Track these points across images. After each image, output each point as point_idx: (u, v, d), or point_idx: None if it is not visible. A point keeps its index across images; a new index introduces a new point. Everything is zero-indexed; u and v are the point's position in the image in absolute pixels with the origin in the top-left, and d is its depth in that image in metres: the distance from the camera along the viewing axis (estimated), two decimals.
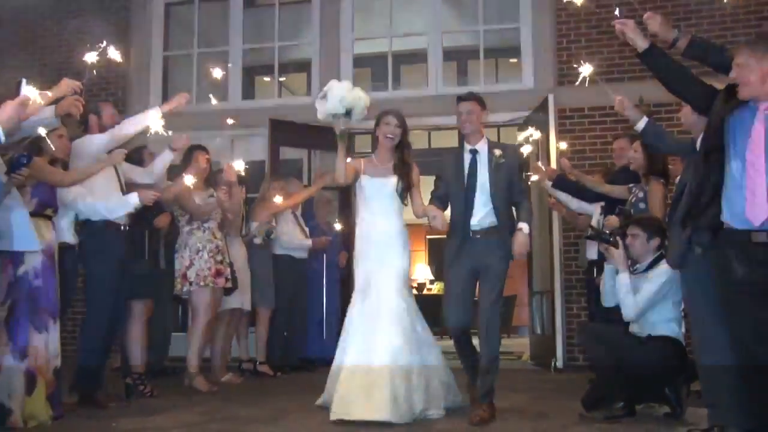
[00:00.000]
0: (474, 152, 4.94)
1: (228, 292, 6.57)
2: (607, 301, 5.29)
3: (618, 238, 5.01)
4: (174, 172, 6.26)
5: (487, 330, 4.76)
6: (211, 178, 6.50)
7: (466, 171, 4.92)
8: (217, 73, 5.68)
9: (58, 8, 9.78)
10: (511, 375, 7.56)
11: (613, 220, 5.65)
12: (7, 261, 4.68)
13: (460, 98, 5.06)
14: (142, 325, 6.14)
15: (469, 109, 4.95)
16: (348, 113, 4.87)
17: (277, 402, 5.55)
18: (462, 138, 5.24)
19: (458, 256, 4.88)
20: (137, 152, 6.34)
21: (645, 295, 4.81)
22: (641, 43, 4.00)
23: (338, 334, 8.19)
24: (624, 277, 4.89)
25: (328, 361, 8.06)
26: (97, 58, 4.93)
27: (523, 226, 4.80)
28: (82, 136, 5.58)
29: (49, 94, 4.25)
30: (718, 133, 3.74)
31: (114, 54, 4.99)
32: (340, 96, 4.80)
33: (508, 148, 5.12)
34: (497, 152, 4.88)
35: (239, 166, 6.58)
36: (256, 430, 4.48)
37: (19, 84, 3.71)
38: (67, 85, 4.72)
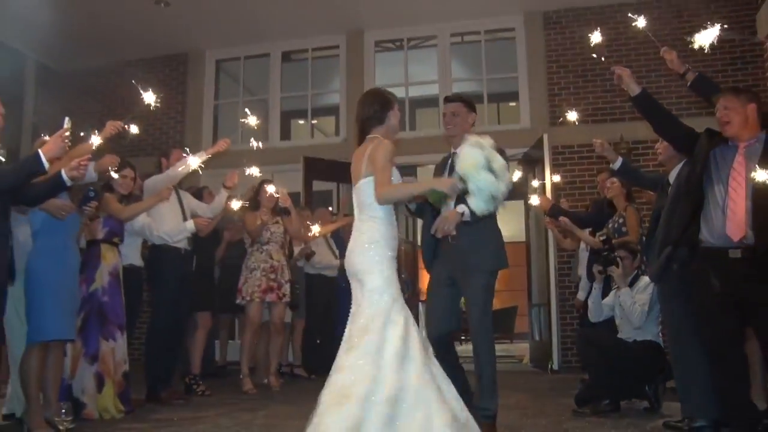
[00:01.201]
0: (453, 155, 4.07)
1: (292, 306, 6.63)
2: (594, 317, 5.35)
3: (618, 259, 5.07)
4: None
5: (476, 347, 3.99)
6: (277, 207, 6.53)
7: (446, 174, 4.07)
8: (252, 120, 5.75)
9: (126, 66, 9.99)
10: (513, 376, 7.60)
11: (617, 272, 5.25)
12: (82, 280, 4.82)
13: (447, 99, 4.29)
14: (204, 333, 6.25)
15: (453, 111, 4.14)
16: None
17: (314, 400, 5.53)
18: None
19: (437, 260, 4.19)
20: (199, 191, 6.54)
21: (644, 302, 4.87)
22: (635, 88, 4.02)
23: None
24: (626, 292, 4.96)
25: None
26: (156, 105, 5.01)
27: (461, 207, 3.75)
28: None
29: (96, 139, 4.23)
30: (704, 164, 3.79)
31: (154, 98, 5.01)
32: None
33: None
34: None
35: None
36: (295, 425, 4.39)
37: (63, 120, 3.77)
38: (111, 126, 4.81)
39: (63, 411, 3.90)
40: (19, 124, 9.30)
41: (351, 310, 3.28)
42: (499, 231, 4.26)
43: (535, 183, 6.40)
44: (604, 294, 5.32)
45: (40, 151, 3.57)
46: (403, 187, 3.36)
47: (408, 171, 11.89)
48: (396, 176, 3.37)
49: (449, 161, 4.13)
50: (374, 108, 3.54)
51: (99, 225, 4.99)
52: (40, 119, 9.94)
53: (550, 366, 7.82)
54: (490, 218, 3.98)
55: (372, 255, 3.23)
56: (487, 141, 3.54)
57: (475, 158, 3.43)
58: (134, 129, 4.68)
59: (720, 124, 3.79)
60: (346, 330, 3.22)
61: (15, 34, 9.10)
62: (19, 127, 9.43)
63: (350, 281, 3.35)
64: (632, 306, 4.90)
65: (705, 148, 3.83)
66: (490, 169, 3.45)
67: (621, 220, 5.69)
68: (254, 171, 6.11)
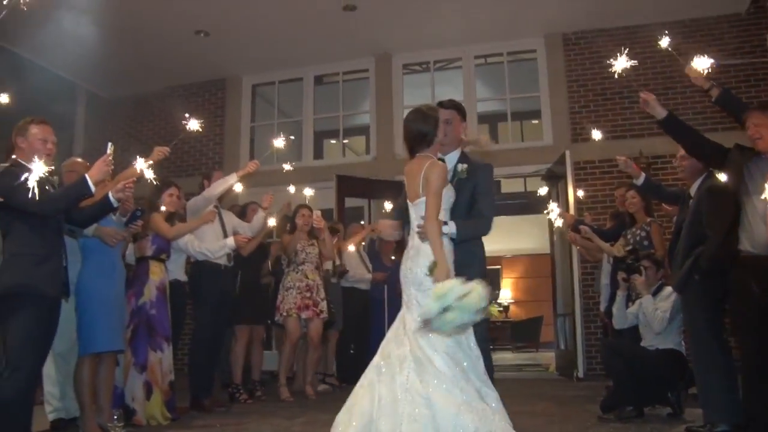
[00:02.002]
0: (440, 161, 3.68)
1: (327, 324, 6.68)
2: (618, 324, 5.32)
3: (642, 268, 5.07)
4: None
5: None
6: (313, 230, 6.60)
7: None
8: (279, 143, 5.85)
9: (168, 92, 10.23)
10: (539, 384, 7.57)
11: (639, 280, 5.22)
12: (131, 294, 4.94)
13: (441, 104, 3.82)
14: (244, 345, 6.34)
15: (447, 118, 3.71)
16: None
17: None
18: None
19: None
20: (243, 208, 6.68)
21: (665, 309, 4.86)
22: (661, 111, 4.04)
23: None
24: (649, 299, 4.96)
25: None
26: (199, 129, 5.14)
27: (450, 225, 3.40)
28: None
29: (141, 163, 4.32)
30: (740, 177, 3.82)
31: (199, 124, 5.12)
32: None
33: (480, 168, 3.71)
34: (461, 167, 3.67)
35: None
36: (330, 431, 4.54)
37: (106, 146, 3.89)
38: (158, 151, 4.95)
39: (115, 417, 4.03)
40: (71, 150, 9.53)
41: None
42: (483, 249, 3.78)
43: (552, 206, 6.39)
44: (628, 302, 5.31)
45: (86, 175, 3.70)
46: (437, 245, 3.23)
47: None
48: (447, 197, 3.40)
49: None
50: (428, 127, 3.46)
51: (148, 243, 5.12)
52: (91, 145, 10.20)
53: (575, 374, 7.77)
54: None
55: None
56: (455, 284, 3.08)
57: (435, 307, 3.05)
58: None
59: (752, 140, 3.82)
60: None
61: (68, 65, 9.38)
62: (71, 154, 9.67)
63: (407, 289, 3.36)
64: (654, 313, 4.89)
65: (738, 163, 3.86)
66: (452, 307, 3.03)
67: (643, 233, 5.66)
68: (290, 189, 6.22)
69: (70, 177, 4.54)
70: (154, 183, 4.68)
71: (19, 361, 3.51)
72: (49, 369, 4.69)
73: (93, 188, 3.70)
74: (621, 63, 3.90)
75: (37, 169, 3.25)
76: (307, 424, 4.86)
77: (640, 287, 5.06)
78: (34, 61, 8.94)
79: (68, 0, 7.14)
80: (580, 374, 7.75)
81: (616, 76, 3.95)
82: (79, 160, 5.06)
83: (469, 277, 3.15)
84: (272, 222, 6.08)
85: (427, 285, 3.23)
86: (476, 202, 3.60)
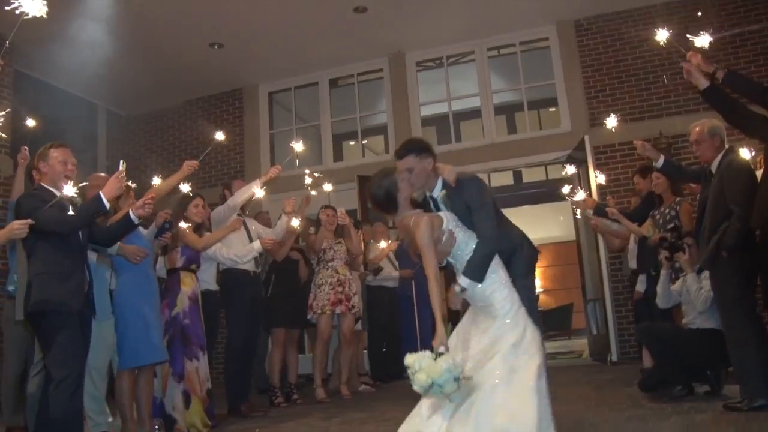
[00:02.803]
0: (433, 200, 3.67)
1: (357, 320, 6.71)
2: (662, 303, 5.25)
3: (686, 246, 5.02)
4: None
5: None
6: (339, 229, 6.65)
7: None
8: (298, 147, 5.90)
9: (186, 106, 10.35)
10: (574, 370, 7.55)
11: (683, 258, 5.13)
12: (164, 305, 5.02)
13: (396, 154, 3.61)
14: (280, 348, 6.39)
15: (407, 167, 3.51)
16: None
17: (382, 406, 5.61)
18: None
19: None
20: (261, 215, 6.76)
21: (710, 288, 4.70)
22: (703, 82, 4.05)
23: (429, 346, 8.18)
24: (693, 277, 4.89)
25: None
26: (222, 140, 5.22)
27: (459, 281, 3.39)
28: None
29: (156, 180, 4.40)
30: None
31: (224, 136, 5.20)
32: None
33: (465, 183, 3.57)
34: (442, 196, 3.60)
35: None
36: (368, 429, 4.55)
37: (119, 163, 3.99)
38: (188, 166, 5.02)
39: (156, 427, 4.09)
40: (95, 169, 9.67)
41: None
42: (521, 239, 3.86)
43: (566, 189, 6.33)
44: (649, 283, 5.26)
45: (100, 192, 3.79)
46: (435, 305, 3.28)
47: None
48: (457, 239, 3.43)
49: (433, 205, 3.69)
50: (387, 195, 3.49)
51: (177, 254, 5.19)
52: (113, 163, 10.36)
53: (609, 358, 7.73)
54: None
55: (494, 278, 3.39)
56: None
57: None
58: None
59: None
60: None
61: (87, 86, 9.53)
62: (94, 173, 9.81)
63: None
64: (698, 292, 4.81)
65: None
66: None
67: (673, 213, 5.60)
68: (312, 193, 6.28)
69: (93, 192, 4.63)
70: (189, 195, 4.78)
71: (60, 375, 3.65)
72: (87, 385, 4.79)
73: (107, 204, 3.82)
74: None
75: (67, 192, 3.41)
76: (344, 424, 4.89)
77: (684, 265, 4.98)
78: (54, 86, 9.11)
79: (84, 23, 7.26)
80: (614, 358, 7.71)
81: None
82: (103, 174, 5.15)
83: (514, 272, 3.43)
84: (296, 223, 6.09)
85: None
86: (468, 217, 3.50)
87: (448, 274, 3.90)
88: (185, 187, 4.58)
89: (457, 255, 3.45)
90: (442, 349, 3.13)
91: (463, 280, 3.37)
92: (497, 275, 3.40)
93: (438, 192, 3.62)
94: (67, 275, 3.80)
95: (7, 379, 5.39)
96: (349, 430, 4.59)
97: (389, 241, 7.63)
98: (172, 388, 4.95)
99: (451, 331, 3.55)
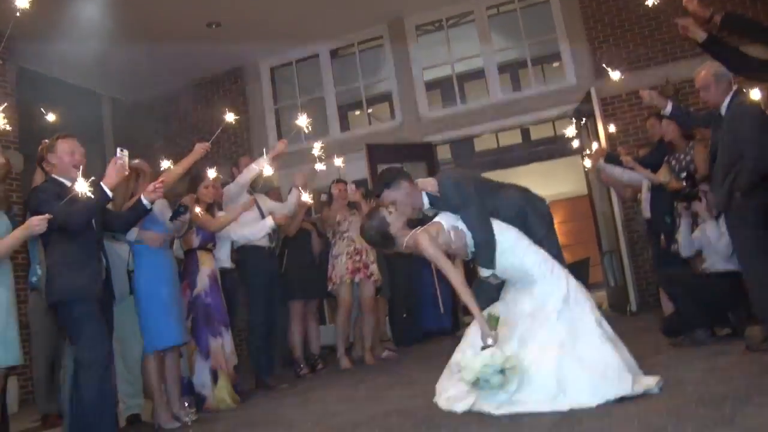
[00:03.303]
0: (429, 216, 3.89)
1: (378, 289, 6.75)
2: (685, 252, 5.24)
3: (702, 193, 4.99)
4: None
5: None
6: (351, 202, 6.69)
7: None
8: (302, 121, 5.87)
9: (189, 87, 10.35)
10: None
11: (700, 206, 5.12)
12: (185, 286, 5.09)
13: (374, 194, 4.00)
14: (299, 320, 6.46)
15: (390, 201, 3.74)
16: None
17: (407, 370, 5.65)
18: None
19: None
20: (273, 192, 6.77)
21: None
22: (701, 35, 4.05)
23: (453, 309, 8.26)
24: (712, 224, 4.86)
25: (444, 332, 8.15)
26: (233, 121, 5.25)
27: (480, 272, 3.66)
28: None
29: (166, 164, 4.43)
30: None
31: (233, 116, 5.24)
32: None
33: (441, 186, 3.82)
34: (427, 208, 3.89)
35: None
36: (395, 393, 4.58)
37: (116, 150, 4.03)
38: (200, 148, 5.06)
39: (186, 404, 4.18)
40: (104, 159, 9.72)
41: None
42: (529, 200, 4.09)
43: (575, 143, 6.28)
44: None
45: (102, 183, 3.83)
46: (464, 294, 3.48)
47: (464, 144, 11.94)
48: (465, 238, 3.62)
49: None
50: (387, 239, 3.64)
51: (193, 235, 5.24)
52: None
53: (628, 309, 7.75)
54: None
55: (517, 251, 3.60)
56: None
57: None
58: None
59: None
60: None
61: (90, 76, 9.54)
62: (103, 162, 9.85)
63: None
64: (719, 238, 4.80)
65: None
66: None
67: (688, 158, 5.55)
68: (321, 167, 6.29)
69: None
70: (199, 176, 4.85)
71: (87, 360, 3.77)
72: (119, 369, 4.91)
73: (110, 193, 3.86)
74: None
75: (80, 187, 3.49)
76: (371, 389, 4.94)
77: (702, 213, 4.95)
78: (57, 78, 9.10)
79: (79, 11, 7.24)
80: (633, 308, 7.74)
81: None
82: (137, 161, 5.24)
83: (536, 235, 3.69)
84: (306, 197, 6.09)
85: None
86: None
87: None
88: (212, 173, 4.67)
89: (473, 245, 3.61)
90: (489, 341, 3.22)
91: (483, 271, 3.60)
92: (519, 246, 3.57)
93: (427, 205, 3.86)
94: (83, 264, 3.89)
95: (39, 368, 5.52)
96: (376, 395, 4.64)
97: None
98: (200, 367, 5.04)
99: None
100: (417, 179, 3.91)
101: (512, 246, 3.57)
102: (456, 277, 3.50)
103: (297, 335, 6.45)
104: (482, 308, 3.52)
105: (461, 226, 3.62)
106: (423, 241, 3.49)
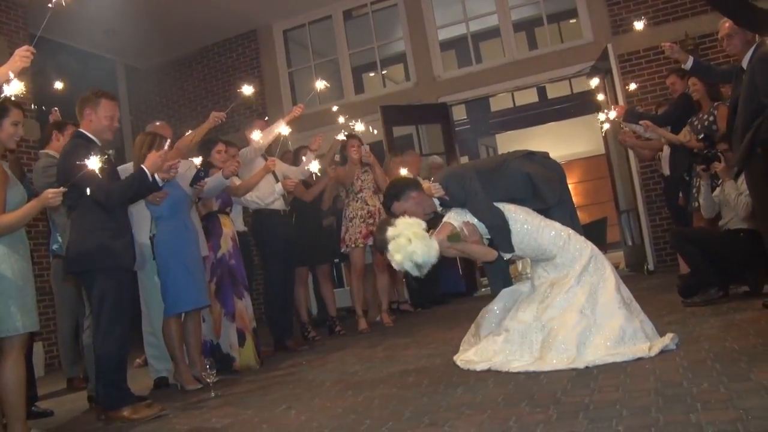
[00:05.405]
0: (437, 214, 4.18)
1: None
2: (707, 213, 5.22)
3: (720, 154, 4.93)
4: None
5: None
6: (363, 160, 6.62)
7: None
8: (319, 85, 5.87)
9: (203, 52, 10.32)
10: None
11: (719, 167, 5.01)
12: (209, 248, 5.13)
13: (387, 209, 4.20)
14: (305, 286, 6.55)
15: (403, 210, 3.96)
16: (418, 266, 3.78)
17: (424, 331, 5.69)
18: None
19: None
20: (297, 152, 6.72)
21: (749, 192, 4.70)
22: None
23: (468, 271, 8.30)
24: (731, 185, 4.82)
25: (460, 294, 8.18)
26: (250, 92, 5.28)
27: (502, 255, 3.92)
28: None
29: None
30: None
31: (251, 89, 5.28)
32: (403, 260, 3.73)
33: (447, 186, 4.04)
34: (440, 208, 4.13)
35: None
36: (412, 353, 4.64)
37: (164, 142, 4.08)
38: (215, 117, 5.07)
39: (207, 366, 4.26)
40: (120, 126, 9.77)
41: None
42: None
43: (599, 96, 6.22)
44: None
45: (146, 169, 3.88)
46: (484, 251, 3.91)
47: (479, 104, 11.85)
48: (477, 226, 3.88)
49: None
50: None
51: (212, 199, 5.28)
52: (137, 117, 10.50)
53: (646, 268, 7.75)
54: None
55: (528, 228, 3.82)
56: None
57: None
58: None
59: None
60: None
61: (103, 43, 9.55)
62: (120, 128, 9.92)
63: None
64: (738, 198, 4.76)
65: None
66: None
67: (711, 118, 5.48)
68: (341, 137, 6.37)
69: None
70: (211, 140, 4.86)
71: (110, 326, 3.81)
72: (146, 334, 5.02)
73: (160, 182, 3.98)
74: None
75: (93, 164, 3.44)
76: (389, 349, 5.01)
77: (722, 173, 4.89)
78: (72, 46, 9.12)
79: None
80: (651, 267, 7.74)
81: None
82: (158, 123, 5.38)
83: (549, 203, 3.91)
84: (315, 167, 6.07)
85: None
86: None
87: None
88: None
89: (487, 233, 3.87)
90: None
91: (504, 256, 3.86)
92: (531, 226, 3.75)
93: (438, 206, 4.08)
94: (117, 232, 3.91)
95: (63, 333, 5.63)
96: (394, 355, 4.70)
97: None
98: (227, 328, 5.11)
99: None
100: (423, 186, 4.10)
101: (525, 229, 3.75)
102: (487, 254, 3.88)
103: (303, 300, 6.58)
104: (498, 289, 4.02)
105: (471, 218, 3.85)
106: (442, 236, 3.77)
